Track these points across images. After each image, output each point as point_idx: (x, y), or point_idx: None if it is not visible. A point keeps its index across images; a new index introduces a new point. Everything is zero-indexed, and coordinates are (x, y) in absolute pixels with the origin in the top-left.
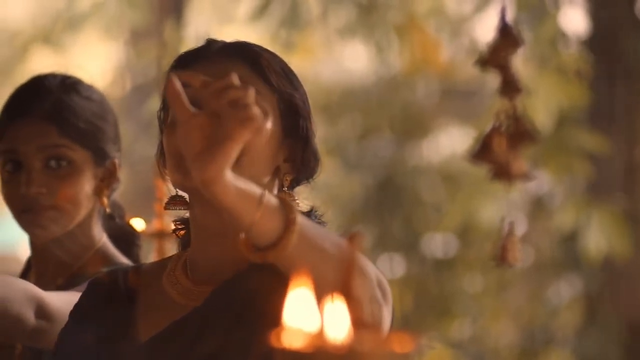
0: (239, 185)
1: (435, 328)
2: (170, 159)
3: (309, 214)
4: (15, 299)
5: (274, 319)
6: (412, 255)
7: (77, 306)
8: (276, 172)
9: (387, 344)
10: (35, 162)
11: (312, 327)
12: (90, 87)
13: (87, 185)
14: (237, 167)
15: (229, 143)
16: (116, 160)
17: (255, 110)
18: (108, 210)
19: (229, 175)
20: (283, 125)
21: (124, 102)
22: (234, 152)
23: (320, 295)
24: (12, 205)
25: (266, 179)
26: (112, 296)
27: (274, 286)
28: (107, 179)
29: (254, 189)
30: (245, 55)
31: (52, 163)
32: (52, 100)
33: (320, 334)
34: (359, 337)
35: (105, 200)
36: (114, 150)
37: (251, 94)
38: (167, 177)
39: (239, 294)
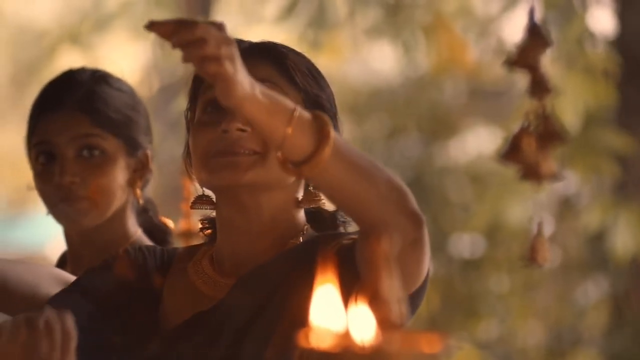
0: (269, 101)
1: (463, 328)
2: (197, 158)
3: (334, 213)
4: (43, 281)
5: (295, 311)
6: (439, 256)
7: (106, 264)
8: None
9: (415, 344)
10: (68, 152)
11: (339, 327)
12: (120, 79)
13: (120, 175)
14: (265, 166)
15: (220, 70)
16: (148, 152)
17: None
18: (141, 201)
19: (258, 92)
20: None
21: (152, 102)
22: (230, 70)
23: (358, 215)
24: (46, 196)
25: (292, 179)
26: (145, 269)
27: (297, 279)
28: (139, 170)
29: (286, 103)
30: (271, 55)
31: (85, 152)
32: (83, 91)
33: (347, 334)
34: (386, 337)
35: (138, 191)
36: (146, 141)
37: (200, 31)
38: (194, 177)
39: (261, 286)
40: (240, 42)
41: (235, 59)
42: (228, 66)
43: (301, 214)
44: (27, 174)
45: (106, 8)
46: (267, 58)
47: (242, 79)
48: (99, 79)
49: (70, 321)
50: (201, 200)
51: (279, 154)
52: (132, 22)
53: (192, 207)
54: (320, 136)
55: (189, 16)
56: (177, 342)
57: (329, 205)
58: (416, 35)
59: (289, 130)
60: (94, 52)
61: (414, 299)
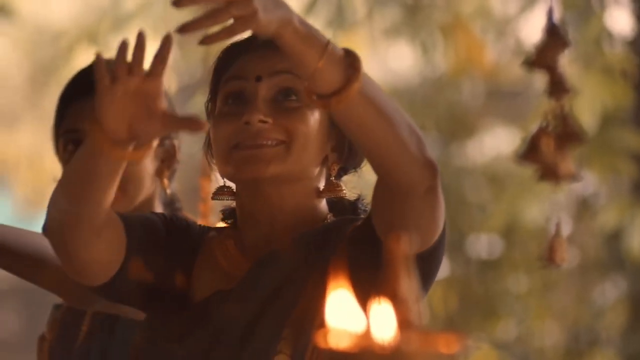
0: (306, 30)
1: (481, 328)
2: (219, 150)
3: (355, 202)
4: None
5: (311, 293)
6: (456, 256)
7: (155, 218)
8: (324, 162)
9: (432, 345)
10: None
11: (356, 327)
12: None
13: (148, 164)
14: (289, 157)
15: None
16: (175, 142)
17: None
18: (169, 191)
19: (296, 20)
20: (330, 115)
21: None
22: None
23: (377, 158)
24: None
25: (316, 169)
26: (187, 237)
27: (313, 262)
28: (167, 160)
29: (320, 37)
30: None
31: None
32: None
33: (366, 334)
34: (404, 337)
35: (166, 181)
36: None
37: None
38: (215, 167)
39: (278, 268)
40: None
41: None
42: None
43: (323, 204)
44: (44, 173)
45: (124, 8)
46: None
47: (282, 5)
48: None
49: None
50: (222, 192)
51: (307, 85)
52: (150, 22)
53: (213, 198)
54: (350, 72)
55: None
56: (197, 319)
57: (350, 195)
58: (434, 36)
59: (321, 62)
60: (112, 52)
61: (433, 256)
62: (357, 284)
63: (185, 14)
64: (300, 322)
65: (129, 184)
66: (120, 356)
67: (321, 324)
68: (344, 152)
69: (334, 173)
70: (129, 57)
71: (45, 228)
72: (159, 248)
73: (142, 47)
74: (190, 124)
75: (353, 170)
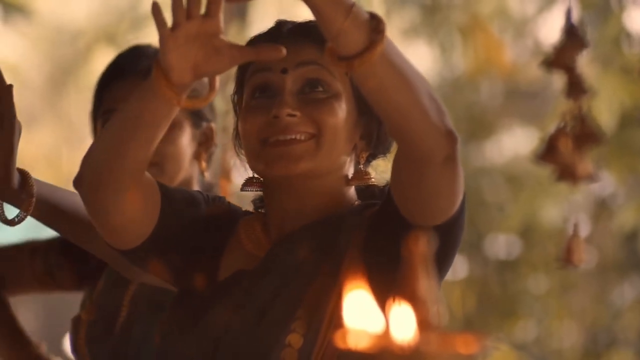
0: None
1: (499, 329)
2: (248, 145)
3: (384, 188)
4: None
5: (328, 273)
6: (475, 256)
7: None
8: (353, 150)
9: (451, 345)
10: None
11: (375, 328)
12: None
13: (187, 145)
14: (319, 151)
15: None
16: (213, 125)
17: None
18: (206, 174)
19: None
20: (357, 103)
21: None
22: None
23: (396, 124)
24: None
25: (346, 158)
26: (224, 219)
27: (330, 247)
28: (204, 143)
29: None
30: (315, 36)
31: None
32: (149, 63)
33: (385, 335)
34: (423, 338)
35: (204, 163)
36: (210, 114)
37: None
38: (244, 159)
39: (296, 249)
40: (284, 24)
41: None
42: None
43: (351, 191)
44: (62, 173)
45: (143, 8)
46: (311, 39)
47: None
48: None
49: None
50: (251, 182)
51: (330, 45)
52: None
53: (242, 189)
54: (374, 35)
55: (227, 17)
56: (216, 297)
57: (379, 180)
58: (453, 36)
59: (346, 23)
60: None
61: (453, 228)
62: (375, 271)
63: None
64: (315, 303)
65: (167, 163)
66: None
67: (340, 323)
68: (372, 139)
69: (362, 161)
70: (185, 1)
71: (77, 182)
72: (194, 224)
73: None
74: (261, 52)
75: (382, 156)
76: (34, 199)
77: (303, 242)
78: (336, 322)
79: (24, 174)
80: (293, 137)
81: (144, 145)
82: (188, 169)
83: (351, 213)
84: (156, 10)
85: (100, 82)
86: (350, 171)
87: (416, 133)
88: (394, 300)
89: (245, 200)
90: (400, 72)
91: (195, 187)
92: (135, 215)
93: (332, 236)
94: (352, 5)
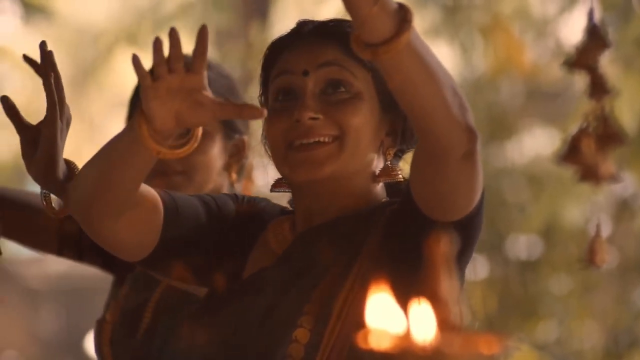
0: None
1: (520, 330)
2: (274, 148)
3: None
4: None
5: (337, 273)
6: (496, 257)
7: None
8: (380, 147)
9: (473, 346)
10: None
11: (397, 329)
12: (220, 65)
13: (217, 156)
14: (343, 153)
15: None
16: (245, 137)
17: None
18: (236, 185)
19: None
20: (380, 101)
21: None
22: None
23: (418, 116)
24: None
25: (373, 155)
26: (255, 220)
27: (346, 245)
28: (235, 155)
29: None
30: (337, 36)
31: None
32: None
33: (406, 335)
34: (445, 338)
35: (234, 175)
36: (243, 126)
37: None
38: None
39: (312, 246)
40: (304, 24)
41: None
42: None
43: (379, 188)
44: None
45: (164, 9)
46: (333, 40)
47: None
48: None
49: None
50: (280, 183)
51: (356, 33)
52: (190, 24)
53: (272, 190)
54: (402, 23)
55: (247, 18)
56: (236, 292)
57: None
58: (474, 36)
59: (374, 9)
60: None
61: (471, 224)
62: (392, 269)
63: (225, 16)
64: (324, 299)
65: (196, 173)
66: None
67: (349, 319)
68: (398, 135)
69: (389, 157)
70: (166, 54)
71: (69, 207)
72: (217, 225)
73: (177, 44)
74: (244, 110)
75: (409, 150)
76: None
77: (319, 238)
78: (345, 318)
79: (70, 166)
80: (316, 140)
81: (130, 181)
82: (217, 180)
83: (373, 210)
84: (136, 62)
85: (136, 90)
86: (378, 168)
87: (435, 125)
88: (415, 300)
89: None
90: (425, 63)
91: None
92: (133, 235)
93: (350, 233)
94: None
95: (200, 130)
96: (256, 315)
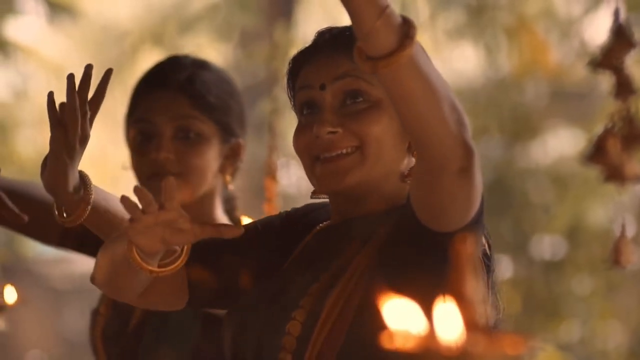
0: None
1: (544, 330)
2: (303, 162)
3: None
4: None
5: (335, 272)
6: (520, 257)
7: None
8: (409, 149)
9: (498, 346)
10: (166, 131)
11: (420, 329)
12: (221, 69)
13: (213, 159)
14: (366, 162)
15: None
16: (241, 141)
17: None
18: (230, 187)
19: None
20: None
21: None
22: None
23: (415, 129)
24: (140, 172)
25: (402, 157)
26: (299, 229)
27: (356, 239)
28: (231, 158)
29: None
30: (352, 46)
31: (181, 134)
32: (186, 75)
33: (431, 336)
34: (470, 338)
35: (228, 177)
36: (240, 130)
37: None
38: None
39: (329, 239)
40: (322, 34)
41: None
42: None
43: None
44: (107, 171)
45: (190, 10)
46: (346, 51)
47: None
48: (201, 65)
49: None
50: (317, 191)
51: (359, 44)
52: (215, 24)
53: (312, 197)
54: (405, 38)
55: (272, 18)
56: (267, 291)
57: None
58: (498, 37)
59: (378, 23)
60: (176, 53)
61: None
62: (389, 269)
63: (250, 17)
64: (319, 294)
65: (191, 175)
66: (175, 334)
67: (340, 318)
68: None
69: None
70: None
71: (92, 278)
72: (263, 244)
73: (145, 196)
74: (222, 231)
75: None
76: (89, 207)
77: (331, 236)
78: (337, 315)
79: (84, 179)
80: (338, 152)
81: (138, 284)
82: (211, 182)
83: (389, 211)
84: (125, 203)
85: (134, 92)
86: (406, 167)
87: (432, 141)
88: (440, 300)
89: (288, 202)
90: (425, 80)
91: (218, 199)
92: (160, 299)
93: (359, 233)
94: (386, 6)
95: (188, 248)
96: (263, 307)
